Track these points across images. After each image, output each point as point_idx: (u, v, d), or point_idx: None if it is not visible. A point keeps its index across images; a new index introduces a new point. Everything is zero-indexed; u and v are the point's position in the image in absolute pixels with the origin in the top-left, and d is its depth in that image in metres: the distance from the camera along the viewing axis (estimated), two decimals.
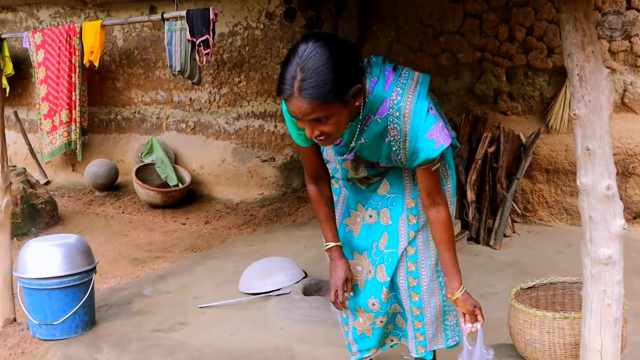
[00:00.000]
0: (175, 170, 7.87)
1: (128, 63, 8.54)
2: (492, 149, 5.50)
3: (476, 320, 2.34)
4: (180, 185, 7.68)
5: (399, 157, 2.26)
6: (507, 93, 5.95)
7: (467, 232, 5.41)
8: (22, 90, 9.37)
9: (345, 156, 2.35)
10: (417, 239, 2.43)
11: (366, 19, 6.80)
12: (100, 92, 8.80)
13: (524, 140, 5.59)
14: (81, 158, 8.40)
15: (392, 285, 2.47)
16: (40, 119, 8.39)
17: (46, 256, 3.77)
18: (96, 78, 8.68)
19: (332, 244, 2.45)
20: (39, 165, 8.90)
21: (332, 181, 2.56)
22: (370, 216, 2.49)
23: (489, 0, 5.94)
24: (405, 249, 2.43)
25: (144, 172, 7.76)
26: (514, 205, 5.67)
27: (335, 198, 2.56)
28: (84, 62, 7.86)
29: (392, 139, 2.21)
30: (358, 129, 2.22)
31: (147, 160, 7.95)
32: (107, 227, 6.87)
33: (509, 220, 5.49)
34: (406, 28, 6.44)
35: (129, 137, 8.72)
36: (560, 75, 5.64)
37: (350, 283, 2.45)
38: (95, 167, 8.05)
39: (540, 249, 5.16)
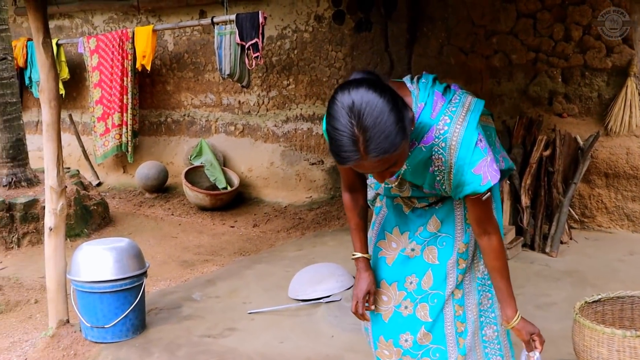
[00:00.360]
0: (224, 173, 7.89)
1: (178, 67, 8.60)
2: (547, 153, 5.35)
3: (535, 347, 2.22)
4: (228, 188, 7.69)
5: (444, 187, 2.14)
6: (563, 94, 5.78)
7: (522, 238, 5.26)
8: (76, 94, 9.53)
9: (389, 180, 2.22)
10: (463, 281, 2.32)
11: (416, 21, 6.71)
12: (151, 95, 8.89)
13: (581, 143, 5.43)
14: (132, 160, 8.51)
15: (432, 330, 2.32)
16: (93, 122, 8.53)
17: (98, 260, 3.80)
18: (147, 81, 8.77)
19: (359, 255, 2.36)
20: (92, 167, 9.03)
21: (377, 199, 2.46)
22: (413, 249, 2.33)
23: None
24: (452, 292, 2.31)
25: (193, 175, 7.79)
26: (571, 210, 5.50)
27: (373, 217, 2.45)
28: (136, 66, 7.97)
29: (436, 169, 2.09)
30: None
31: (197, 163, 7.99)
32: (157, 229, 6.91)
33: (566, 227, 5.33)
34: (457, 29, 6.32)
35: (178, 140, 8.78)
36: (620, 76, 5.44)
37: (372, 297, 2.35)
38: (145, 169, 8.13)
39: (600, 257, 4.99)
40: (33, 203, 6.30)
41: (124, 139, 8.34)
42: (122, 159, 8.81)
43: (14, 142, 6.72)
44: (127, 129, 8.31)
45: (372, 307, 2.36)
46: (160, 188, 8.22)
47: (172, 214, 7.50)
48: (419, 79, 2.14)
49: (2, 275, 5.26)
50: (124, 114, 8.26)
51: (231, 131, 8.31)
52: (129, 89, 8.20)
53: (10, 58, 6.73)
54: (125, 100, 8.22)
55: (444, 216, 2.31)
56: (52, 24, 9.43)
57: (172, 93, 8.75)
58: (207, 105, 8.48)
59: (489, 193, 2.09)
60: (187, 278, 5.20)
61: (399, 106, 1.81)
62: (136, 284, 3.86)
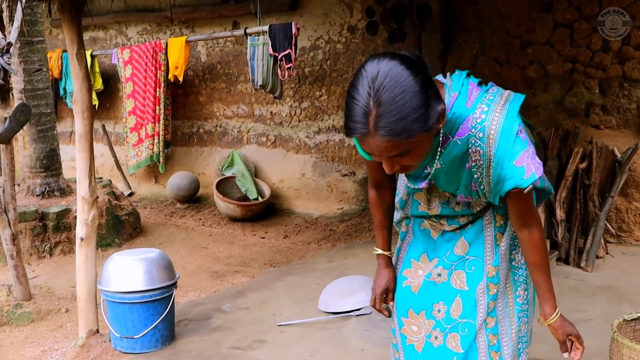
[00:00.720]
0: (255, 184, 7.89)
1: (211, 77, 8.64)
2: (583, 165, 5.25)
3: (576, 348, 2.09)
4: (260, 198, 7.69)
5: (481, 187, 1.99)
6: (600, 106, 5.68)
7: (556, 252, 5.17)
8: (110, 104, 9.62)
9: (418, 185, 2.09)
10: (496, 307, 2.17)
11: (450, 31, 6.66)
12: (184, 106, 8.94)
13: (618, 155, 5.32)
14: (164, 170, 8.55)
15: None
16: (126, 132, 8.60)
17: (129, 270, 3.80)
18: (180, 92, 8.82)
19: (380, 251, 2.31)
20: (124, 177, 9.10)
21: (402, 223, 2.33)
22: (439, 275, 2.20)
23: (580, 8, 5.70)
24: (484, 320, 2.16)
25: (225, 185, 7.80)
26: (607, 224, 5.38)
27: (398, 243, 2.33)
28: (169, 77, 8.02)
29: (473, 164, 1.93)
30: (437, 152, 1.94)
31: (228, 174, 8.00)
32: (188, 240, 6.92)
33: (602, 241, 5.22)
34: (492, 39, 6.26)
35: (210, 150, 8.80)
36: None
37: (391, 294, 2.30)
38: (177, 180, 8.16)
39: (637, 273, 4.88)
40: (65, 213, 6.35)
41: (155, 149, 8.39)
42: (154, 169, 8.87)
43: (48, 152, 6.78)
44: (158, 139, 8.36)
45: (391, 303, 2.31)
46: (192, 198, 8.24)
47: (203, 225, 7.51)
48: (451, 74, 2.02)
49: (34, 284, 5.29)
50: (156, 125, 8.32)
51: (263, 142, 8.31)
52: (162, 100, 8.25)
53: (45, 69, 6.80)
54: (157, 111, 8.28)
55: (472, 238, 2.18)
56: (86, 36, 9.56)
57: (205, 104, 8.79)
58: (239, 116, 8.50)
59: (531, 186, 1.93)
60: (217, 289, 5.19)
61: (428, 93, 1.68)
62: (166, 294, 3.86)
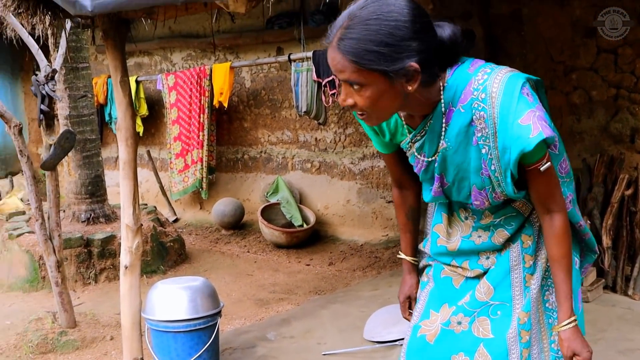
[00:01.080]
0: (300, 210, 7.82)
1: (255, 103, 8.64)
2: (629, 192, 5.12)
3: None
4: (304, 225, 7.61)
5: (492, 168, 1.81)
6: None
7: (603, 280, 5.03)
8: (155, 130, 9.69)
9: (428, 182, 1.97)
10: (530, 355, 1.94)
11: (493, 57, 6.53)
12: (228, 132, 8.95)
13: None
14: (207, 197, 8.55)
15: None
16: (171, 158, 8.63)
17: (173, 299, 3.75)
18: (224, 118, 8.84)
19: (403, 256, 2.26)
20: (169, 202, 9.12)
21: (424, 272, 2.19)
22: (459, 323, 2.00)
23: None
24: None
25: (269, 212, 7.75)
26: None
27: (418, 293, 2.19)
28: (214, 103, 8.04)
29: (479, 135, 1.77)
30: (430, 122, 1.83)
31: (273, 200, 7.95)
32: (233, 266, 6.86)
33: None
34: (536, 65, 6.14)
35: (255, 177, 8.78)
36: None
37: (414, 302, 2.22)
38: (222, 206, 8.14)
39: None
40: (110, 239, 6.36)
41: (198, 175, 8.40)
42: (199, 195, 8.87)
43: (93, 179, 6.82)
44: (202, 165, 8.37)
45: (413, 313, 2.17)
46: (237, 225, 8.21)
47: (248, 251, 7.46)
48: None
49: (79, 311, 5.28)
50: (200, 151, 8.33)
51: (307, 168, 8.25)
52: (206, 126, 8.27)
53: (90, 95, 6.87)
54: (201, 137, 8.30)
55: (498, 281, 1.99)
56: (131, 61, 9.68)
57: (249, 130, 8.79)
58: (284, 142, 8.47)
59: (548, 163, 1.79)
60: (262, 317, 5.12)
61: (408, 45, 1.61)
62: (210, 323, 3.79)
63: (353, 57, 1.60)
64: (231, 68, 7.92)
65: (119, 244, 6.11)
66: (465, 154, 1.85)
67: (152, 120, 9.49)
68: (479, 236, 2.01)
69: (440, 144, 1.85)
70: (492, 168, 1.81)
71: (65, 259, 5.39)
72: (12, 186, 11.21)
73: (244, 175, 8.90)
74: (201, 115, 8.22)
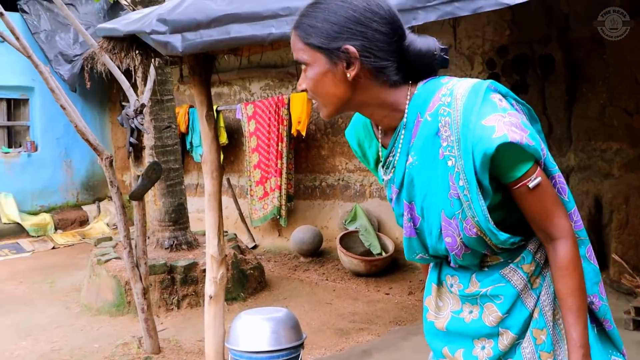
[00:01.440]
0: (379, 238, 7.79)
1: (332, 131, 8.70)
2: None
3: None
4: (383, 253, 7.57)
5: (460, 185, 1.60)
6: None
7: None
8: (234, 157, 9.87)
9: (392, 198, 1.80)
10: None
11: (575, 81, 6.41)
12: (306, 160, 9.02)
13: None
14: (286, 224, 8.62)
15: None
16: (250, 186, 8.77)
17: (256, 330, 3.77)
18: (302, 146, 8.92)
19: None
20: (248, 229, 9.25)
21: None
22: None
23: None
24: None
25: (348, 240, 7.75)
26: None
27: None
28: (292, 132, 8.13)
29: (445, 144, 1.61)
30: (401, 137, 1.71)
31: (351, 228, 7.96)
32: (311, 295, 6.88)
33: None
34: (620, 89, 5.97)
35: (332, 204, 8.81)
36: None
37: None
38: (300, 234, 8.19)
39: None
40: (193, 266, 6.48)
41: (277, 202, 8.49)
42: (277, 222, 8.95)
43: (176, 207, 6.99)
44: (280, 193, 8.46)
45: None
46: (315, 252, 8.24)
47: (327, 279, 7.46)
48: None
49: (163, 336, 5.39)
50: (278, 178, 8.43)
51: (385, 196, 8.22)
52: (284, 154, 8.37)
53: (174, 126, 7.07)
54: (279, 165, 8.40)
55: None
56: (212, 91, 9.88)
57: (327, 157, 8.84)
58: (362, 169, 8.48)
59: (538, 179, 1.59)
60: (342, 347, 5.10)
61: (353, 23, 1.60)
62: (293, 355, 3.79)
63: (299, 33, 1.65)
64: (309, 97, 7.98)
65: (201, 271, 6.27)
66: (432, 171, 1.67)
67: (231, 148, 9.67)
68: (470, 312, 1.79)
69: (407, 160, 1.71)
70: (460, 184, 1.61)
71: (149, 284, 5.53)
72: (99, 211, 11.60)
73: (321, 202, 8.95)
74: (279, 143, 8.33)
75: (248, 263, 7.01)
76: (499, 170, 1.60)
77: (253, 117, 8.60)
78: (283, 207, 8.50)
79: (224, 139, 9.29)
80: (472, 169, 1.57)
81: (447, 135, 1.60)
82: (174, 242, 6.89)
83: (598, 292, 1.74)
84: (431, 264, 1.92)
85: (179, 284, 6.41)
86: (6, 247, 9.74)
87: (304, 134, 8.05)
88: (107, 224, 11.19)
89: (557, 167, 1.70)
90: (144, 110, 4.76)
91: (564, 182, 1.72)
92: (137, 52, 3.39)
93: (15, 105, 11.34)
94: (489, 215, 1.62)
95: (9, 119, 11.28)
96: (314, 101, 1.74)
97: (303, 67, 1.69)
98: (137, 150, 4.94)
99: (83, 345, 5.45)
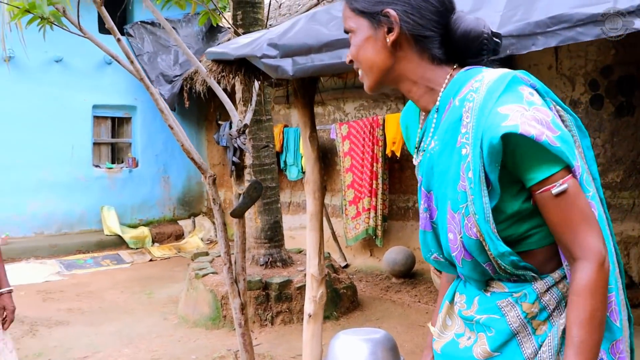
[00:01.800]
0: None
1: None
2: None
3: None
4: None
5: (469, 176, 1.47)
6: None
7: None
8: (327, 177, 9.97)
9: (418, 175, 1.70)
10: None
11: None
12: (400, 180, 9.02)
13: None
14: (382, 244, 8.65)
15: None
16: (344, 205, 8.83)
17: (354, 350, 3.78)
18: (396, 166, 8.93)
19: (430, 327, 1.89)
20: (340, 248, 9.30)
21: None
22: None
23: None
24: None
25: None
26: None
27: None
28: (386, 152, 8.16)
29: (464, 131, 1.50)
30: (434, 120, 1.62)
31: None
32: (404, 316, 6.85)
33: None
34: None
35: None
36: None
37: None
38: (393, 254, 8.18)
39: None
40: (287, 283, 6.57)
41: (371, 222, 8.52)
42: (369, 242, 8.98)
43: (272, 224, 7.12)
44: (376, 213, 8.49)
45: None
46: (407, 273, 8.21)
47: (419, 301, 7.42)
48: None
49: (258, 352, 5.48)
50: (373, 199, 8.47)
51: None
52: (379, 174, 8.41)
53: (272, 146, 7.22)
54: (374, 185, 8.44)
55: None
56: None
57: None
58: None
59: (565, 185, 1.42)
60: None
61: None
62: None
63: (347, 1, 1.66)
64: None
65: (295, 289, 6.36)
66: (449, 159, 1.55)
67: (325, 168, 9.75)
68: (469, 338, 1.66)
69: (430, 144, 1.63)
70: (469, 175, 1.48)
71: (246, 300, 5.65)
72: (194, 226, 11.94)
73: (415, 223, 8.91)
74: (374, 164, 8.37)
75: (341, 282, 7.06)
76: (518, 169, 1.47)
77: (347, 137, 8.68)
78: (379, 227, 8.52)
79: None
80: (479, 159, 1.45)
81: (467, 121, 1.50)
82: (269, 259, 7.02)
83: (607, 349, 1.52)
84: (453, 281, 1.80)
85: (273, 301, 6.51)
86: (108, 258, 10.17)
87: (398, 154, 8.08)
88: (202, 239, 11.50)
89: (592, 193, 1.52)
90: (246, 131, 4.88)
91: (596, 209, 1.52)
92: (245, 74, 3.50)
93: (119, 124, 11.86)
94: (491, 217, 1.48)
95: (112, 136, 11.81)
96: (359, 72, 1.72)
97: (349, 35, 1.69)
98: (238, 169, 5.06)
99: (181, 356, 5.62)
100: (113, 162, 11.78)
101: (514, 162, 1.46)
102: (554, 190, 1.43)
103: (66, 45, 9.50)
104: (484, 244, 1.51)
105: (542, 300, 1.54)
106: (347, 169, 8.78)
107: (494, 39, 1.62)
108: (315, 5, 7.12)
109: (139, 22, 11.64)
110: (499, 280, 1.60)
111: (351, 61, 1.71)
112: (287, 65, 3.00)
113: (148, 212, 11.84)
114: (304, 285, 6.37)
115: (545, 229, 1.51)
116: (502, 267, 1.54)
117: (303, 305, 6.34)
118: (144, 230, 11.25)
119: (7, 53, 9.88)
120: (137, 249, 10.82)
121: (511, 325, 1.55)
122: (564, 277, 1.54)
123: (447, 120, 1.56)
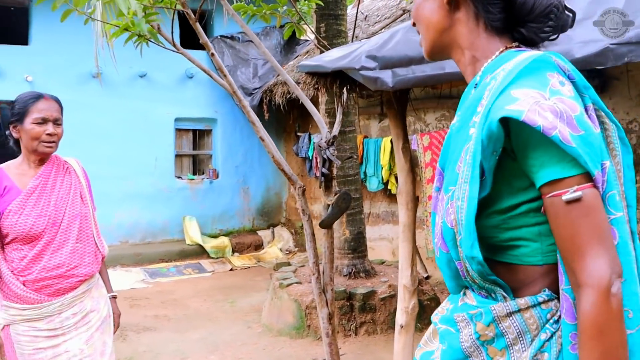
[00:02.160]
0: None
1: None
2: None
3: None
4: None
5: (467, 159, 1.34)
6: None
7: None
8: None
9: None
10: None
11: None
12: None
13: None
14: None
15: None
16: (426, 216, 8.78)
17: None
18: None
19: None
20: (421, 259, 9.24)
21: None
22: None
23: None
24: None
25: None
26: None
27: None
28: None
29: (479, 110, 1.36)
30: (470, 96, 1.48)
31: None
32: None
33: None
34: None
35: None
36: None
37: None
38: None
39: None
40: (371, 294, 6.57)
41: None
42: None
43: (356, 235, 7.14)
44: None
45: None
46: None
47: None
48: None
49: None
50: None
51: None
52: None
53: (355, 157, 7.25)
54: None
55: None
56: (385, 122, 10.04)
57: None
58: None
59: (579, 192, 1.21)
60: None
61: None
62: None
63: None
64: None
65: (379, 299, 6.36)
66: (461, 138, 1.41)
67: None
68: (437, 347, 1.52)
69: (454, 120, 1.51)
70: (467, 158, 1.34)
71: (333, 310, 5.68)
72: (273, 237, 12.07)
73: None
74: None
75: (425, 294, 7.02)
76: (523, 164, 1.30)
77: (429, 148, 8.64)
78: None
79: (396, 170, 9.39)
80: (480, 142, 1.30)
81: (484, 101, 1.36)
82: (352, 269, 7.04)
83: None
84: None
85: (357, 311, 6.52)
86: (189, 267, 10.39)
87: None
88: (280, 249, 11.61)
89: (620, 217, 1.29)
90: (334, 142, 4.93)
91: (617, 236, 1.30)
92: (342, 86, 3.54)
93: (200, 136, 12.13)
94: (474, 209, 1.31)
95: (194, 148, 12.08)
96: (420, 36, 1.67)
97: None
98: (327, 180, 5.11)
99: None
100: (194, 174, 12.04)
101: (518, 153, 1.31)
102: (565, 197, 1.23)
103: (149, 60, 9.79)
104: (457, 239, 1.37)
105: (499, 325, 1.37)
106: (428, 180, 8.73)
107: (566, 12, 1.46)
108: (401, 15, 7.13)
109: (219, 37, 11.89)
110: (472, 291, 1.46)
111: (414, 24, 1.67)
112: (387, 77, 3.03)
113: (228, 223, 12.04)
114: (388, 297, 6.40)
115: (536, 245, 1.35)
116: (470, 273, 1.39)
117: (387, 316, 6.38)
118: (224, 240, 11.44)
119: (99, 69, 10.26)
120: (217, 258, 11.01)
121: (462, 344, 1.40)
122: (535, 305, 1.34)
123: (473, 97, 1.42)
